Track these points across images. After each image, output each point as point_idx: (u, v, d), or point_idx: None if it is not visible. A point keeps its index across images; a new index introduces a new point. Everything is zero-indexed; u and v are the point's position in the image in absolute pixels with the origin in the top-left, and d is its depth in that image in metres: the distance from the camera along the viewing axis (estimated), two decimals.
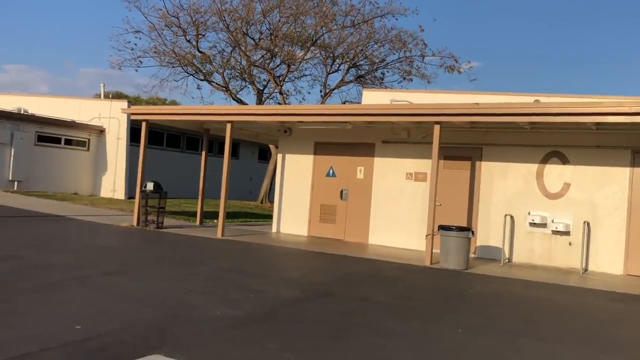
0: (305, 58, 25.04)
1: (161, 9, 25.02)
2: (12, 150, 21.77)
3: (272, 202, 27.80)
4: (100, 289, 7.02)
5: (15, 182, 21.84)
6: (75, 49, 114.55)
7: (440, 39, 66.28)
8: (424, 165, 12.81)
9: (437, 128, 10.84)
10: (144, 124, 14.28)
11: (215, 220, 17.23)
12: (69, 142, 24.18)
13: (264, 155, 35.45)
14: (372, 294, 7.93)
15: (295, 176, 14.51)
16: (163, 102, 57.86)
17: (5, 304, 6.08)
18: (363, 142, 13.54)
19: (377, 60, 26.24)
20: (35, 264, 8.44)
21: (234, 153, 33.07)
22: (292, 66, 25.33)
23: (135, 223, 14.09)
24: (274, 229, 14.94)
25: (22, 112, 23.34)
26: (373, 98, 18.52)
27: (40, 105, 26.24)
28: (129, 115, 24.37)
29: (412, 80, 27.10)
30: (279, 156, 14.93)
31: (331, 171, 14.05)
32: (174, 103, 61.13)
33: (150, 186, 13.79)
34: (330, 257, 11.18)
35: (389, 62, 26.53)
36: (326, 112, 12.10)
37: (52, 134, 23.53)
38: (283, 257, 11.22)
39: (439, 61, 25.92)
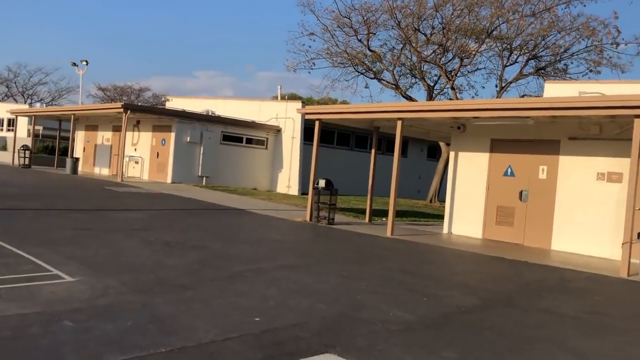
0: (479, 51, 23.90)
1: (334, 11, 25.67)
2: (202, 148, 23.90)
3: (441, 201, 27.02)
4: (276, 282, 7.22)
5: (204, 178, 23.94)
6: (255, 55, 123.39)
7: (636, 24, 59.26)
8: (618, 164, 11.37)
9: (638, 122, 9.49)
10: (317, 123, 14.64)
11: (384, 219, 17.15)
12: (249, 141, 25.92)
13: (433, 152, 34.67)
14: (558, 305, 7.14)
15: (469, 175, 13.81)
16: (334, 102, 59.64)
17: (192, 290, 6.50)
18: (546, 139, 12.42)
19: (560, 51, 24.10)
20: (219, 254, 9.00)
21: (403, 151, 32.69)
22: (466, 60, 24.34)
23: (307, 218, 14.52)
24: (445, 230, 14.40)
25: (210, 114, 25.55)
26: (556, 91, 16.96)
27: (225, 108, 28.52)
28: (303, 115, 25.44)
29: (600, 72, 24.49)
30: (451, 154, 14.34)
31: (509, 170, 13.12)
32: (344, 102, 62.75)
33: (322, 183, 14.10)
34: (508, 262, 10.40)
35: (575, 52, 24.22)
36: (505, 107, 11.28)
37: (235, 134, 25.40)
38: (456, 260, 10.70)
39: (637, 49, 23.04)
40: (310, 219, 14.43)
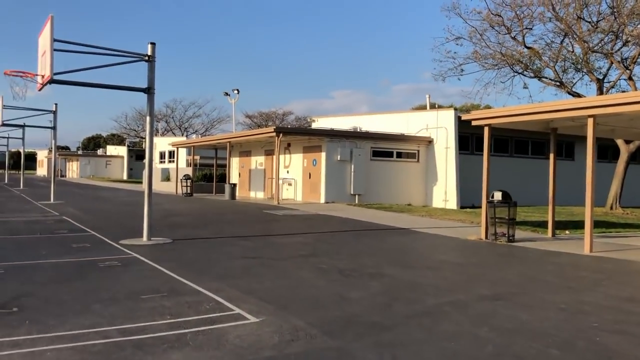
0: None
1: (480, 12, 23.93)
2: (352, 166, 23.33)
3: (624, 208, 23.80)
4: (485, 319, 6.02)
5: (356, 196, 23.31)
6: (390, 69, 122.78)
7: None
8: None
9: None
10: (486, 130, 13.19)
11: (567, 232, 15.08)
12: (399, 155, 24.90)
13: (604, 153, 31.05)
14: None
15: None
16: (477, 107, 56.72)
17: (390, 332, 5.54)
18: None
19: None
20: (402, 283, 8.00)
21: (569, 153, 29.72)
22: None
23: (483, 236, 13.06)
24: None
25: (357, 130, 24.97)
26: None
27: (371, 123, 27.84)
28: (456, 123, 23.93)
29: None
30: None
31: None
32: (488, 107, 59.45)
33: (498, 196, 12.59)
34: None
35: None
36: None
37: (384, 149, 24.53)
38: None
39: None
40: (486, 237, 12.95)
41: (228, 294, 7.00)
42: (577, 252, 10.98)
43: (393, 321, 5.94)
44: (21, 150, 40.44)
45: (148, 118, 12.13)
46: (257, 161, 28.79)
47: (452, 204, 23.69)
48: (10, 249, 10.38)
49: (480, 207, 23.57)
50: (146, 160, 12.38)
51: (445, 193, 24.16)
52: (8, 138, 42.04)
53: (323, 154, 23.11)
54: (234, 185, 26.37)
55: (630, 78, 22.05)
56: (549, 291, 7.59)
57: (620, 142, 23.05)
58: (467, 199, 24.17)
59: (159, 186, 33.71)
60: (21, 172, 39.86)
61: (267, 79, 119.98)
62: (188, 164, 43.02)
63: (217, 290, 7.20)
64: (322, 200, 22.91)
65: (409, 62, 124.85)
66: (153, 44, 12.04)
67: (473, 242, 12.63)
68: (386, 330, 5.62)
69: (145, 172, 12.16)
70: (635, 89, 21.71)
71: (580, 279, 8.42)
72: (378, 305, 6.60)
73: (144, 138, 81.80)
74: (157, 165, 45.64)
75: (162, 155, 49.14)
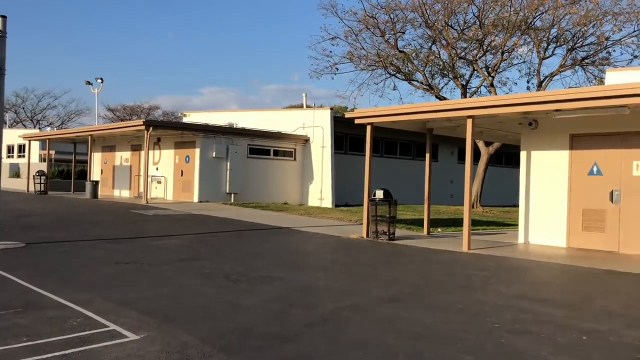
0: (518, 44, 22.36)
1: (356, 13, 24.28)
2: (228, 164, 22.48)
3: (484, 206, 25.48)
4: (388, 324, 5.71)
5: (232, 195, 22.50)
6: (259, 68, 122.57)
7: None
8: None
9: None
10: (368, 128, 13.17)
11: (440, 229, 15.63)
12: (276, 153, 24.49)
13: (464, 155, 33.17)
14: None
15: (546, 176, 12.28)
16: (345, 110, 58.24)
17: (293, 343, 5.02)
18: None
19: (604, 38, 22.51)
20: (296, 287, 7.51)
21: (433, 154, 31.23)
22: (505, 54, 22.78)
23: (364, 234, 13.02)
24: (520, 239, 12.82)
25: (233, 127, 24.15)
26: (620, 78, 15.42)
27: (247, 119, 27.13)
28: (332, 122, 24.04)
29: None
30: (522, 154, 12.81)
31: (595, 168, 11.57)
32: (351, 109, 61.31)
33: (379, 194, 12.60)
34: (628, 277, 8.84)
35: (619, 38, 22.66)
36: (600, 95, 9.75)
37: (261, 146, 23.98)
38: (570, 278, 9.14)
39: None
40: (367, 235, 12.92)
41: (99, 307, 6.03)
42: (457, 250, 11.26)
43: (293, 331, 5.41)
44: None
45: None
46: (123, 157, 26.78)
47: (328, 202, 23.77)
48: None
49: (353, 205, 24.07)
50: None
51: (320, 192, 24.18)
52: None
53: (197, 150, 21.98)
54: (96, 182, 24.24)
55: (491, 85, 23.63)
56: (443, 291, 7.54)
57: (481, 145, 24.60)
58: (341, 198, 24.41)
59: (7, 183, 30.10)
60: None
61: (130, 72, 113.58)
62: (42, 159, 39.11)
63: (86, 303, 6.19)
64: (196, 199, 21.79)
65: (279, 62, 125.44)
66: (4, 17, 10.41)
67: (356, 241, 12.52)
68: (288, 341, 5.08)
69: None
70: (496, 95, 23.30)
71: (469, 278, 8.51)
72: (274, 313, 6.04)
73: None
74: (5, 160, 40.99)
75: (10, 149, 44.25)
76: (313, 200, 24.42)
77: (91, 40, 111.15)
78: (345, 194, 24.60)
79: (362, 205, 23.18)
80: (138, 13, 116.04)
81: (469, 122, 11.21)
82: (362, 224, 15.38)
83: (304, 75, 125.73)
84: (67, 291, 6.74)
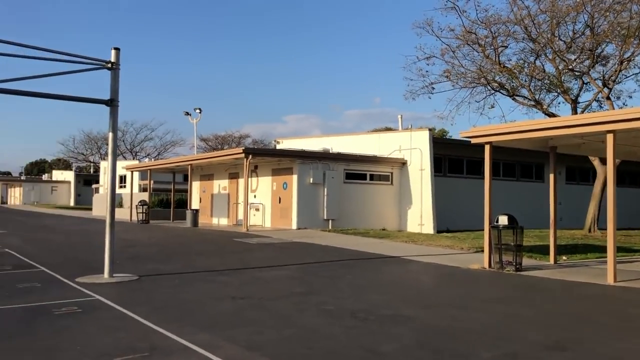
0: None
1: (454, 29, 23.27)
2: (325, 189, 21.98)
3: (602, 230, 23.30)
4: None
5: (330, 221, 21.93)
6: (340, 94, 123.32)
7: None
8: None
9: None
10: (487, 148, 12.12)
11: (565, 257, 14.13)
12: (372, 177, 23.76)
13: (572, 175, 30.87)
14: None
15: None
16: (445, 133, 56.68)
17: None
18: None
19: None
20: (434, 329, 6.63)
21: (539, 175, 29.33)
22: (624, 63, 20.87)
23: (486, 264, 11.88)
24: None
25: (329, 152, 23.72)
26: None
27: (340, 144, 26.67)
28: (431, 144, 23.02)
29: None
30: None
31: None
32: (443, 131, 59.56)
33: (503, 220, 11.45)
34: None
35: None
36: None
37: (358, 171, 23.34)
38: None
39: None
40: (490, 265, 11.77)
41: (228, 353, 5.46)
42: (600, 282, 9.90)
43: None
44: None
45: (110, 134, 10.47)
46: (220, 185, 27.05)
47: (429, 228, 22.62)
48: None
49: (455, 231, 22.73)
50: (107, 183, 10.67)
51: (420, 217, 23.09)
52: None
53: (294, 177, 21.68)
54: (196, 211, 24.53)
55: (608, 97, 21.72)
56: (612, 336, 6.38)
57: (596, 164, 22.63)
58: (442, 223, 23.17)
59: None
60: None
61: (218, 104, 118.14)
62: (141, 189, 40.64)
63: (212, 346, 5.65)
64: (294, 226, 21.40)
65: (360, 87, 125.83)
66: (117, 49, 10.47)
67: (479, 272, 11.41)
68: None
69: (107, 197, 10.43)
70: (613, 109, 21.38)
71: (636, 318, 7.26)
72: None
73: (93, 162, 78.43)
74: (106, 191, 43.02)
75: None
76: (412, 226, 23.35)
77: (182, 74, 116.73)
78: (445, 219, 23.35)
79: (466, 231, 22.01)
80: (225, 46, 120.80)
81: (610, 138, 9.91)
82: (479, 252, 14.26)
83: (386, 99, 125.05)
84: (189, 331, 6.25)
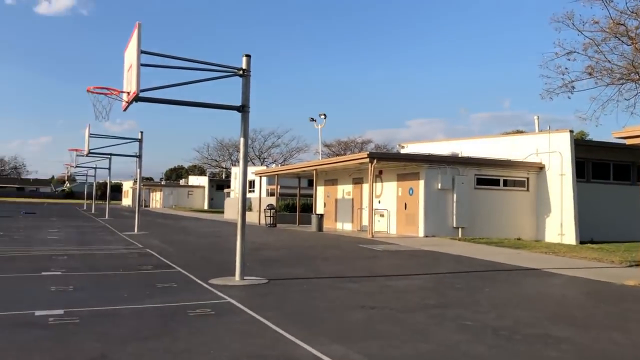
0: None
1: (598, 22, 21.25)
2: (454, 195, 21.02)
3: None
4: None
5: (459, 229, 20.93)
6: (466, 97, 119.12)
7: None
8: None
9: None
10: None
11: None
12: (506, 183, 22.35)
13: None
14: None
15: None
16: (581, 135, 52.54)
17: None
18: None
19: None
20: (594, 354, 5.78)
21: None
22: None
23: None
24: None
25: (459, 156, 22.71)
26: None
27: (470, 148, 25.49)
28: (572, 147, 21.16)
29: None
30: None
31: None
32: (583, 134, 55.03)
33: None
34: None
35: None
36: None
37: (490, 176, 22.08)
38: None
39: None
40: None
41: None
42: None
43: None
44: (107, 181, 40.92)
45: (242, 139, 10.63)
46: (345, 190, 27.00)
47: (570, 238, 20.76)
48: (90, 290, 9.01)
49: (600, 242, 20.62)
50: (237, 187, 10.84)
51: (560, 226, 21.27)
52: (95, 168, 42.76)
53: (421, 182, 20.98)
54: (321, 215, 24.66)
55: None
56: None
57: None
58: (585, 233, 21.14)
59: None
60: (107, 202, 40.22)
61: (341, 110, 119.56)
62: (269, 194, 41.97)
63: (345, 359, 5.31)
64: (421, 233, 20.69)
65: (488, 90, 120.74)
66: (248, 56, 10.60)
67: (637, 290, 10.07)
68: None
69: (239, 201, 10.60)
70: None
71: None
72: None
73: (225, 168, 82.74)
74: (237, 195, 45.03)
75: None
76: (551, 236, 21.59)
77: (305, 81, 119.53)
78: (589, 229, 21.30)
79: (614, 242, 19.87)
80: (350, 52, 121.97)
81: None
82: (634, 266, 12.74)
83: (517, 101, 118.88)
84: (321, 341, 5.98)
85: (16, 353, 5.34)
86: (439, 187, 20.80)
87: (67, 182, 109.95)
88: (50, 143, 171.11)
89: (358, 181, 25.51)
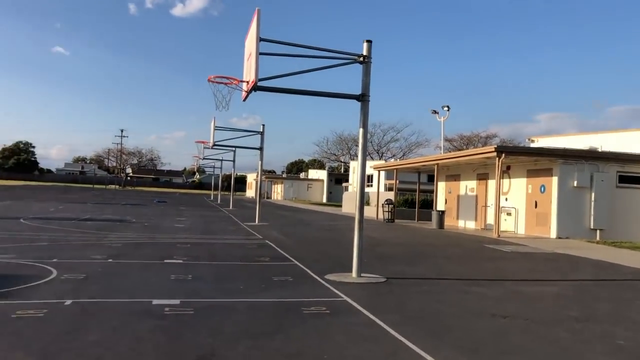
0: None
1: None
2: (592, 194, 19.05)
3: None
4: None
5: (597, 231, 18.93)
6: (602, 90, 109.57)
7: None
8: None
9: None
10: None
11: None
12: None
13: None
14: None
15: None
16: None
17: None
18: None
19: None
20: None
21: None
22: None
23: None
24: None
25: (598, 151, 20.58)
26: None
27: (608, 142, 23.05)
28: None
29: None
30: None
31: None
32: None
33: None
34: None
35: None
36: None
37: (635, 173, 19.74)
38: None
39: None
40: None
41: None
42: None
43: None
44: (232, 173, 42.56)
45: (361, 130, 10.12)
46: (468, 186, 25.64)
47: None
48: (208, 280, 9.00)
49: None
50: (355, 181, 10.36)
51: None
52: (221, 160, 44.68)
53: (554, 179, 19.24)
54: (442, 212, 23.56)
55: None
56: None
57: None
58: None
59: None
60: (231, 193, 41.84)
61: (463, 104, 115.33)
62: (387, 188, 41.26)
63: None
64: (553, 234, 18.99)
65: (628, 81, 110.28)
66: (369, 41, 10.06)
67: None
68: None
69: (357, 194, 10.14)
70: None
71: None
72: None
73: (343, 162, 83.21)
74: (355, 189, 44.77)
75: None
76: None
77: (426, 75, 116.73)
78: None
79: None
80: (479, 41, 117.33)
81: None
82: None
83: None
84: (448, 354, 5.30)
85: (128, 342, 5.25)
86: (575, 184, 18.95)
87: (196, 173, 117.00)
88: (183, 137, 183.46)
89: (483, 177, 24.08)
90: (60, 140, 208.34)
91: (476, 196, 24.65)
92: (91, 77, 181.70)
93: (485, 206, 23.45)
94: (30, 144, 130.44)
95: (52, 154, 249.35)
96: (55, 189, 66.92)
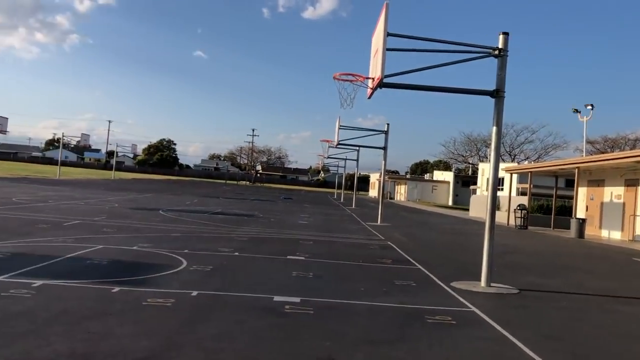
0: None
1: None
2: None
3: None
4: None
5: None
6: None
7: None
8: None
9: None
10: None
11: None
12: None
13: None
14: None
15: None
16: None
17: None
18: None
19: None
20: None
21: None
22: None
23: None
24: None
25: None
26: None
27: None
28: None
29: None
30: None
31: None
32: None
33: None
34: None
35: None
36: None
37: None
38: None
39: None
40: None
41: None
42: None
43: None
44: (355, 172, 42.65)
45: (494, 128, 9.43)
46: (613, 193, 23.31)
47: None
48: (328, 279, 8.86)
49: None
50: (484, 184, 9.67)
51: None
52: (345, 159, 44.96)
53: None
54: (583, 220, 21.63)
55: None
56: None
57: None
58: None
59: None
60: (354, 192, 41.94)
61: (606, 102, 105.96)
62: (519, 193, 38.95)
63: None
64: None
65: None
66: (506, 34, 9.34)
67: None
68: None
69: (488, 197, 9.46)
70: None
71: None
72: None
73: (472, 164, 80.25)
74: (484, 192, 42.75)
75: (489, 182, 46.19)
76: None
77: (564, 74, 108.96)
78: None
79: None
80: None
81: None
82: None
83: None
84: None
85: (248, 339, 5.20)
86: None
87: (321, 172, 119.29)
88: (309, 137, 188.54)
89: (632, 183, 21.76)
90: (197, 138, 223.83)
91: (623, 204, 22.32)
92: (227, 79, 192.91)
93: (634, 215, 21.15)
94: (172, 141, 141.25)
95: (189, 150, 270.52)
96: (191, 184, 71.62)
